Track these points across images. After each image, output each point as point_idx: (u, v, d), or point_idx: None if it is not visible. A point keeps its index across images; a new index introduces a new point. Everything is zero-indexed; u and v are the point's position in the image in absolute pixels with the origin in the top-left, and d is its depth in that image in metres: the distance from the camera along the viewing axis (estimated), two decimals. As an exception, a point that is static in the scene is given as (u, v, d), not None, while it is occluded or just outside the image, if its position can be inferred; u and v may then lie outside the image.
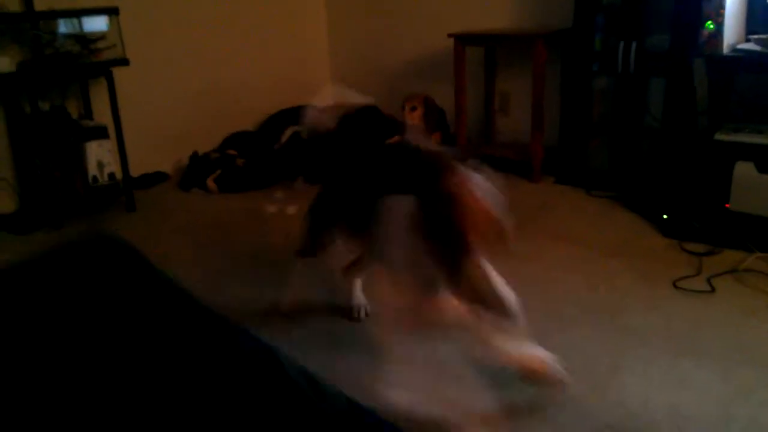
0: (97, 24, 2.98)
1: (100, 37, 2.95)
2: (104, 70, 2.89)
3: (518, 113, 3.55)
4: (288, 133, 3.61)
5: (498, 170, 3.05)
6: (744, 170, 2.23)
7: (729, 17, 2.30)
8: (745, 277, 2.05)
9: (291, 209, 2.95)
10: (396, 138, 3.53)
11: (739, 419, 1.39)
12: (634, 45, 2.76)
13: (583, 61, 2.94)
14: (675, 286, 2.01)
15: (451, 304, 1.30)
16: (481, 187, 1.23)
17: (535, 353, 1.43)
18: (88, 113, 3.14)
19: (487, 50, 3.53)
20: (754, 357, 1.63)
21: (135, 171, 3.22)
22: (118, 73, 2.93)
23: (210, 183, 3.32)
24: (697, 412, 1.43)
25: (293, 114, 3.80)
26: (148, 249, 2.60)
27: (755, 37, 2.30)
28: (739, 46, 2.35)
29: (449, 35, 3.28)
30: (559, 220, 2.66)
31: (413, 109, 3.43)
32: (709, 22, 2.30)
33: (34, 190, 2.89)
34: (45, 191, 2.84)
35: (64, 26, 2.92)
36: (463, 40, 3.28)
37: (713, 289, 1.97)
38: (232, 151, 3.50)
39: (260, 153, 3.51)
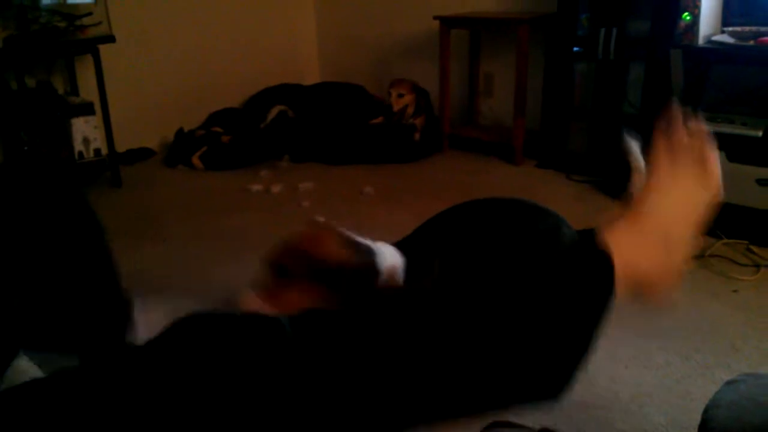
0: (83, 1, 2.97)
1: (87, 13, 2.95)
2: (91, 47, 2.89)
3: (501, 96, 3.61)
4: (274, 111, 3.64)
5: (480, 153, 3.15)
6: (715, 158, 2.32)
7: (705, 9, 2.36)
8: (711, 262, 2.15)
9: (276, 188, 3.00)
10: (380, 119, 3.58)
11: (698, 396, 1.49)
12: (615, 31, 2.82)
13: (566, 45, 3.00)
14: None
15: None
16: None
17: None
18: (74, 89, 3.15)
19: (472, 33, 3.57)
20: (715, 338, 1.73)
21: (121, 147, 3.24)
22: (104, 49, 2.93)
23: (195, 160, 3.35)
24: (658, 389, 1.53)
25: (279, 92, 3.83)
26: (133, 224, 2.65)
27: (730, 29, 2.37)
28: (715, 38, 2.42)
29: (435, 17, 3.32)
30: (538, 203, 2.74)
31: (400, 96, 3.48)
32: (687, 13, 2.37)
33: (20, 164, 2.91)
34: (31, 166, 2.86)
35: (50, 2, 2.91)
36: (448, 22, 3.32)
37: (680, 273, 2.07)
38: (217, 129, 3.52)
39: (246, 131, 3.54)
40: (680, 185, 0.84)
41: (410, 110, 3.49)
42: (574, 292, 0.74)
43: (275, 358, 0.67)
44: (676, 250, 0.81)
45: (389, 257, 1.11)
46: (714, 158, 0.87)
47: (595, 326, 0.77)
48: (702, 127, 0.86)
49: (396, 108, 3.47)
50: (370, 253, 1.08)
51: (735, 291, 1.96)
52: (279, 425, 0.64)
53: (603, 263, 0.75)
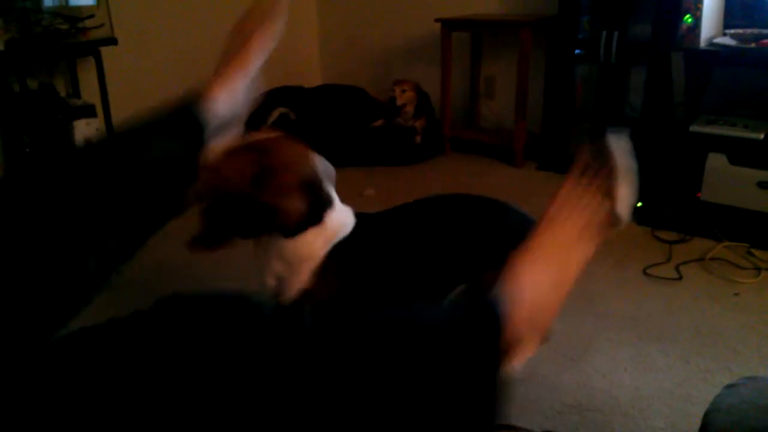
0: (85, 3, 2.98)
1: (89, 15, 2.95)
2: (92, 49, 2.90)
3: (503, 98, 3.61)
4: (275, 113, 3.64)
5: (481, 155, 3.15)
6: (716, 161, 2.32)
7: (707, 12, 2.36)
8: (711, 265, 2.15)
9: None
10: (381, 121, 3.58)
11: (698, 399, 1.48)
12: (616, 34, 2.82)
13: (567, 48, 3.00)
14: (645, 273, 2.10)
15: None
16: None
17: None
18: (75, 92, 3.15)
19: (473, 35, 3.57)
20: (715, 342, 1.72)
21: (122, 149, 3.24)
22: (106, 51, 2.94)
23: (197, 162, 3.35)
24: (658, 392, 1.52)
25: (281, 94, 3.83)
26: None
27: (731, 31, 2.37)
28: (716, 40, 2.42)
29: (436, 20, 3.32)
30: (539, 205, 2.72)
31: (404, 91, 3.48)
32: (688, 15, 2.37)
33: (21, 167, 2.91)
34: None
35: (52, 4, 2.92)
36: (449, 25, 3.32)
37: (681, 277, 2.07)
38: (219, 131, 3.52)
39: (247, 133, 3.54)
40: (573, 228, 0.89)
41: (410, 109, 3.48)
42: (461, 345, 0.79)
43: (250, 342, 0.68)
44: (563, 287, 0.91)
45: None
46: (624, 189, 0.89)
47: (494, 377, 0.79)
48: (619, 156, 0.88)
49: (400, 101, 3.46)
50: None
51: (736, 294, 1.96)
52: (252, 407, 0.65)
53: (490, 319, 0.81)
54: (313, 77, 4.32)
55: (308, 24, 4.35)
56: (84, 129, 2.97)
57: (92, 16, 2.97)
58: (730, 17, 2.54)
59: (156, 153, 1.02)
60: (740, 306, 1.89)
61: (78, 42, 2.92)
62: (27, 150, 2.85)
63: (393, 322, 0.76)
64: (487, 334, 0.80)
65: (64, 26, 2.92)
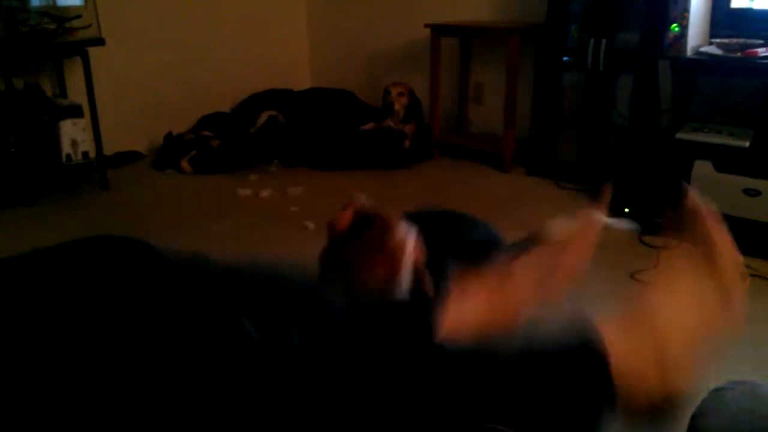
0: (73, 3, 2.96)
1: (76, 15, 2.93)
2: (80, 49, 2.88)
3: (492, 104, 3.62)
4: (264, 116, 3.63)
5: (470, 160, 3.17)
6: (702, 168, 2.34)
7: (693, 21, 2.39)
8: (698, 270, 2.16)
9: (265, 192, 2.99)
10: (371, 124, 3.58)
11: (684, 404, 1.49)
12: (603, 42, 2.85)
13: (555, 55, 3.02)
14: (633, 278, 2.12)
15: None
16: None
17: None
18: (62, 91, 3.13)
19: (462, 41, 3.59)
20: (701, 346, 1.73)
21: (109, 150, 3.22)
22: (93, 51, 2.92)
23: (184, 164, 3.34)
24: (646, 396, 1.53)
25: (270, 97, 3.83)
26: (121, 227, 2.63)
27: (717, 41, 2.40)
28: (702, 49, 2.45)
29: (426, 25, 3.33)
30: (527, 211, 2.76)
31: (401, 94, 3.49)
32: (675, 24, 2.39)
33: (7, 167, 2.88)
34: (18, 169, 2.84)
35: (39, 4, 2.90)
36: (439, 30, 3.33)
37: (668, 282, 2.08)
38: (207, 132, 3.51)
39: (235, 135, 3.53)
40: (691, 284, 0.67)
41: (402, 111, 3.49)
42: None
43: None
44: (674, 374, 0.65)
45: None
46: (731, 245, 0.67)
47: None
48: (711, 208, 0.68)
49: (398, 106, 3.47)
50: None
51: (722, 300, 1.97)
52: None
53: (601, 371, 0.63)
54: (302, 80, 4.32)
55: (298, 27, 4.35)
56: (70, 129, 2.94)
57: (80, 16, 2.95)
58: (716, 27, 2.57)
59: None
60: (726, 311, 1.91)
61: (65, 42, 2.90)
62: (12, 150, 2.81)
63: (384, 346, 0.70)
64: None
65: (52, 26, 2.90)
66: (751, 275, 2.12)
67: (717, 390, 1.15)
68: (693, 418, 1.09)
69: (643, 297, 0.69)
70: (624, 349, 0.63)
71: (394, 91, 3.49)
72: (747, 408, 1.08)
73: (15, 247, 2.20)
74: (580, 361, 0.63)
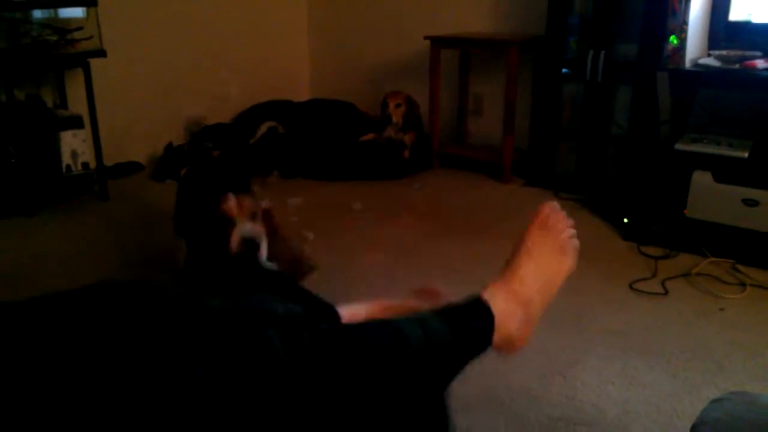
0: (74, 15, 2.98)
1: (78, 27, 2.95)
2: (81, 61, 2.89)
3: (491, 115, 3.64)
4: (264, 127, 3.64)
5: (469, 171, 3.17)
6: (701, 179, 2.34)
7: (692, 33, 2.40)
8: (697, 280, 2.16)
9: (264, 203, 2.99)
10: (370, 135, 3.59)
11: (684, 414, 1.49)
12: (602, 54, 2.86)
13: (554, 67, 3.04)
14: (631, 288, 2.11)
15: None
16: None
17: None
18: (63, 103, 3.14)
19: (462, 53, 3.61)
20: (702, 356, 1.73)
21: (109, 161, 3.23)
22: (94, 63, 2.93)
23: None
24: (645, 407, 1.52)
25: (270, 108, 3.84)
26: (120, 238, 2.64)
27: (716, 53, 2.41)
28: (701, 61, 2.46)
29: (425, 38, 3.35)
30: (527, 221, 2.75)
31: (398, 105, 3.50)
32: (673, 36, 2.40)
33: (7, 177, 2.89)
34: (18, 179, 2.84)
35: (41, 16, 2.92)
36: (438, 42, 3.35)
37: (666, 292, 2.08)
38: (207, 143, 3.52)
39: (235, 146, 3.54)
40: (548, 259, 1.08)
41: (400, 121, 3.50)
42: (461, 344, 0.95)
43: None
44: (534, 314, 1.04)
45: None
46: (574, 244, 1.12)
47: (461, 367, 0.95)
48: (568, 220, 1.15)
49: (395, 118, 3.48)
50: None
51: (722, 309, 1.97)
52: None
53: (484, 310, 0.98)
54: (302, 92, 4.34)
55: (298, 39, 4.37)
56: (71, 140, 2.95)
57: (81, 28, 2.97)
58: (714, 39, 2.58)
59: None
60: (726, 321, 1.91)
61: (67, 53, 2.92)
62: (13, 160, 2.82)
63: (391, 337, 0.86)
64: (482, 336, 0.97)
65: (53, 38, 2.92)
66: (751, 285, 2.12)
67: (716, 401, 1.15)
68: (693, 428, 1.09)
69: (516, 267, 1.06)
70: (503, 298, 1.00)
71: (391, 104, 3.50)
72: (746, 418, 1.08)
73: (15, 257, 2.22)
74: (469, 312, 0.96)
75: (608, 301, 2.04)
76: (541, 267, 1.08)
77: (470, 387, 1.58)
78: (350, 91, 4.13)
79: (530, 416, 1.49)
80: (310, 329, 0.78)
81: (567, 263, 1.12)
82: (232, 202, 1.56)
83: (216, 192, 2.01)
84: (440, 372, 0.90)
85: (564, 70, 3.04)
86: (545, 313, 1.09)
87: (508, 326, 0.99)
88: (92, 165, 3.04)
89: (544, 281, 1.07)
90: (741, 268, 2.22)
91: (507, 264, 1.08)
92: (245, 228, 1.51)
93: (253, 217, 1.55)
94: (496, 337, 0.97)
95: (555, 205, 1.17)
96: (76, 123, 2.97)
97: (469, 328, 0.94)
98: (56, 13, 2.98)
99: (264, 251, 1.54)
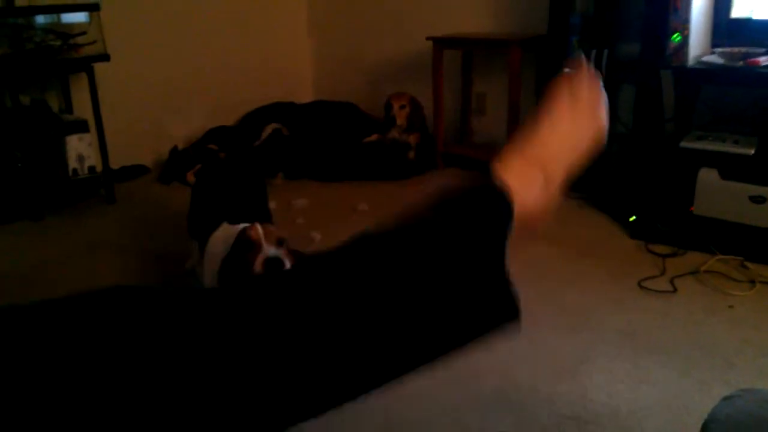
0: (78, 20, 2.99)
1: (81, 32, 2.96)
2: (85, 65, 2.90)
3: (494, 115, 3.64)
4: (269, 129, 3.65)
5: (473, 170, 3.11)
6: (708, 176, 2.34)
7: (695, 30, 2.40)
8: (705, 277, 2.16)
9: (270, 205, 2.99)
10: (374, 136, 3.60)
11: (695, 411, 1.49)
12: (605, 53, 2.86)
13: (557, 66, 3.03)
14: (640, 286, 2.12)
15: None
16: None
17: None
18: (68, 107, 3.15)
19: (464, 53, 3.61)
20: (712, 354, 1.73)
21: (115, 164, 3.24)
22: (99, 67, 2.94)
23: (190, 177, 3.35)
24: (656, 404, 1.53)
25: (274, 110, 3.85)
26: (128, 241, 2.64)
27: (719, 50, 2.41)
28: (704, 59, 2.46)
29: (428, 38, 3.35)
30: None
31: (402, 107, 3.50)
32: (676, 34, 2.40)
33: (14, 182, 2.90)
34: (25, 183, 2.85)
35: (45, 21, 2.93)
36: (441, 43, 3.35)
37: (675, 290, 2.08)
38: (212, 146, 3.53)
39: (240, 148, 3.55)
40: (571, 123, 0.87)
41: (404, 123, 3.51)
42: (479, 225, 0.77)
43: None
44: (553, 186, 0.86)
45: None
46: (605, 106, 0.90)
47: (501, 248, 0.78)
48: (598, 78, 0.89)
49: (400, 121, 3.49)
50: None
51: (731, 307, 1.97)
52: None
53: (503, 201, 0.80)
54: (305, 93, 4.35)
55: (301, 41, 4.38)
56: (76, 144, 2.96)
57: (85, 32, 2.98)
58: (717, 36, 2.58)
59: None
60: (735, 318, 1.91)
61: (71, 58, 2.93)
62: (19, 165, 2.83)
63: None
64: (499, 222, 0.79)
65: (57, 42, 2.93)
66: (760, 282, 2.12)
67: (727, 398, 1.15)
68: (704, 425, 1.09)
69: (536, 134, 0.85)
70: (520, 181, 0.81)
71: (395, 105, 3.50)
72: (757, 415, 1.08)
73: (22, 261, 2.24)
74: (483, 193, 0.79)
75: (617, 300, 2.04)
76: (565, 134, 0.88)
77: (480, 386, 1.59)
78: (353, 92, 4.14)
79: (541, 415, 1.49)
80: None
81: (598, 123, 0.90)
82: (259, 230, 1.61)
83: (235, 193, 2.03)
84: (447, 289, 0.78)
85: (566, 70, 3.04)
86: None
87: (525, 200, 0.82)
88: (98, 168, 3.05)
89: (569, 146, 0.88)
90: (749, 265, 2.22)
91: (523, 130, 0.88)
92: (270, 250, 1.56)
93: (278, 244, 1.59)
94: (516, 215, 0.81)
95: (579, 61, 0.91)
96: (81, 127, 2.98)
97: (484, 225, 0.78)
98: (59, 19, 2.99)
99: None
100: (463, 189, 0.79)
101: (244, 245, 1.59)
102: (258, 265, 1.54)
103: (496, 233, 0.77)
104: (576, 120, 0.88)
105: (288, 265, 1.57)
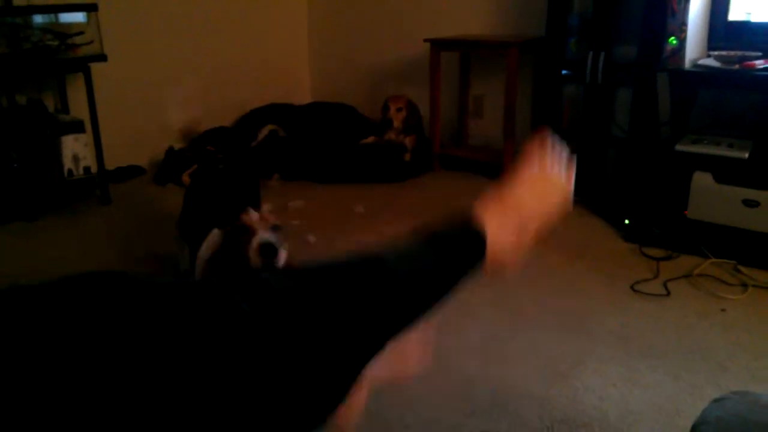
0: (75, 20, 2.99)
1: (79, 32, 2.96)
2: (82, 65, 2.90)
3: (491, 117, 3.64)
4: (265, 130, 3.65)
5: (470, 172, 3.14)
6: (702, 180, 2.34)
7: (691, 34, 2.40)
8: (699, 281, 2.16)
9: (266, 206, 2.99)
10: (371, 138, 3.60)
11: (687, 415, 1.48)
12: (602, 56, 2.86)
13: (554, 69, 3.04)
14: (633, 289, 2.11)
15: None
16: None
17: None
18: (64, 107, 3.15)
19: (462, 56, 3.61)
20: (703, 357, 1.73)
21: (110, 165, 3.23)
22: (95, 67, 2.94)
23: (185, 178, 3.35)
24: (648, 408, 1.52)
25: (271, 112, 3.85)
26: (122, 242, 2.64)
27: (715, 53, 2.41)
28: (701, 62, 2.46)
29: (425, 40, 3.36)
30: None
31: (399, 110, 3.51)
32: (673, 37, 2.41)
33: (9, 182, 2.89)
34: (20, 184, 2.85)
35: (42, 21, 2.92)
36: (438, 45, 3.35)
37: (668, 293, 2.08)
38: (209, 147, 3.52)
39: (237, 149, 3.54)
40: (542, 187, 1.03)
41: (400, 125, 3.51)
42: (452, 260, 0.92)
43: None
44: (525, 237, 1.00)
45: None
46: (571, 175, 1.07)
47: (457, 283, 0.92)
48: (565, 150, 1.08)
49: (396, 123, 3.49)
50: None
51: (723, 310, 1.97)
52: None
53: (478, 237, 0.94)
54: (302, 95, 4.35)
55: (298, 42, 4.38)
56: (72, 144, 2.96)
57: (82, 32, 2.98)
58: (713, 39, 2.58)
59: None
60: (728, 322, 1.91)
61: (68, 58, 2.93)
62: (15, 165, 2.83)
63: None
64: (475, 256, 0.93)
65: (54, 42, 2.92)
66: (752, 286, 2.12)
67: (717, 400, 1.15)
68: (694, 427, 1.09)
69: (512, 189, 1.00)
70: (497, 223, 0.95)
71: (392, 108, 3.51)
72: (747, 417, 1.08)
73: (17, 261, 2.23)
74: (462, 234, 0.93)
75: (610, 303, 2.04)
76: (537, 196, 1.02)
77: (473, 390, 1.59)
78: (350, 94, 4.14)
79: (533, 418, 1.49)
80: (272, 273, 0.75)
81: (562, 197, 1.06)
82: (253, 215, 1.59)
83: (228, 198, 2.03)
84: (426, 300, 0.87)
85: (564, 72, 3.04)
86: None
87: (500, 240, 0.95)
88: (94, 169, 3.04)
89: (537, 208, 1.01)
90: (742, 268, 2.22)
91: (501, 183, 1.02)
92: (265, 235, 1.54)
93: (273, 229, 1.57)
94: (488, 254, 0.95)
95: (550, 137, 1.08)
96: (77, 127, 2.98)
97: (461, 257, 0.92)
98: (57, 18, 2.99)
99: (283, 257, 1.55)
100: (448, 224, 0.93)
101: (239, 230, 1.57)
102: (253, 250, 1.52)
103: (468, 264, 0.91)
104: (544, 184, 1.04)
105: (282, 252, 1.56)
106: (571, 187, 1.06)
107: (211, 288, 0.75)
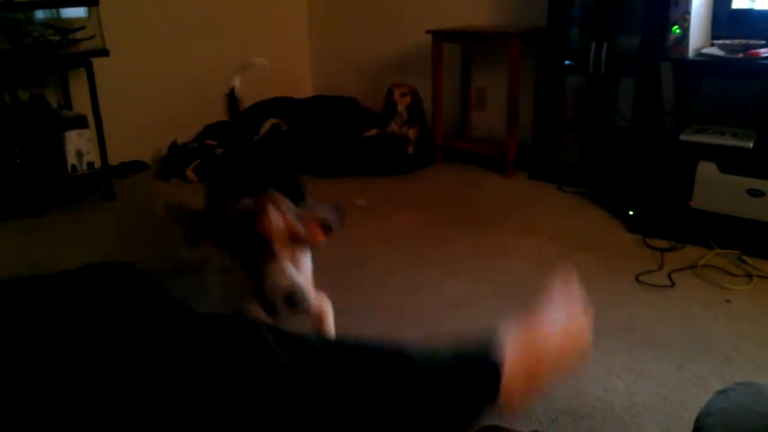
0: (76, 15, 2.98)
1: (80, 27, 2.96)
2: (84, 60, 2.90)
3: (494, 109, 3.63)
4: (267, 124, 3.65)
5: (473, 165, 3.10)
6: (706, 170, 2.33)
7: (694, 22, 2.39)
8: (703, 272, 2.16)
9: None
10: (373, 131, 3.59)
11: (691, 406, 1.48)
12: (605, 45, 2.85)
13: (557, 60, 3.03)
14: (637, 280, 2.11)
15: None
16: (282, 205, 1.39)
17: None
18: (67, 103, 3.15)
19: (464, 47, 3.60)
20: (708, 348, 1.73)
21: (114, 160, 3.24)
22: (97, 62, 2.94)
23: (189, 173, 3.35)
24: (652, 399, 1.52)
25: (273, 105, 3.84)
26: (127, 238, 2.65)
27: (719, 42, 2.39)
28: (704, 51, 2.44)
29: (427, 32, 3.34)
30: (531, 214, 2.75)
31: (403, 95, 3.50)
32: (676, 26, 2.39)
33: (12, 178, 2.90)
34: (24, 180, 2.85)
35: (43, 16, 2.92)
36: (440, 36, 3.34)
37: (673, 284, 2.08)
38: (211, 141, 3.52)
39: (239, 144, 3.54)
40: (565, 335, 1.10)
41: (405, 113, 3.50)
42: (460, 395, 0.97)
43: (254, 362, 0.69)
44: (539, 382, 1.04)
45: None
46: (589, 321, 1.15)
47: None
48: (583, 293, 1.16)
49: (401, 107, 3.48)
50: None
51: (728, 301, 1.97)
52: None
53: (493, 375, 0.98)
54: (304, 88, 4.34)
55: (299, 36, 4.37)
56: (75, 140, 2.96)
57: (83, 27, 2.98)
58: (717, 28, 2.56)
59: None
60: (732, 312, 1.90)
61: (69, 53, 2.92)
62: (18, 161, 2.83)
63: (402, 362, 0.92)
64: (487, 390, 0.97)
65: (56, 38, 2.92)
66: (757, 276, 2.11)
67: (722, 391, 1.15)
68: (698, 418, 1.09)
69: (536, 330, 1.06)
70: (517, 360, 0.99)
71: (396, 92, 3.50)
72: (752, 408, 1.08)
73: (21, 257, 2.23)
74: (475, 367, 0.98)
75: (614, 294, 2.04)
76: (559, 335, 1.09)
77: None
78: (352, 87, 4.13)
79: (537, 409, 1.49)
80: (320, 341, 0.81)
81: (581, 341, 1.14)
82: (272, 217, 1.31)
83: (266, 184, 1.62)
84: (445, 412, 0.93)
85: (566, 62, 3.03)
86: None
87: (515, 373, 0.99)
88: (97, 164, 3.04)
89: (557, 348, 1.08)
90: (747, 259, 2.21)
91: (532, 313, 1.10)
92: (287, 280, 1.28)
93: (294, 240, 1.33)
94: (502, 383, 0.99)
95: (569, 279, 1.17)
96: (80, 123, 2.98)
97: (477, 368, 0.97)
98: (58, 13, 2.98)
99: (312, 306, 1.37)
100: (473, 351, 0.98)
101: (253, 239, 1.34)
102: (274, 293, 1.28)
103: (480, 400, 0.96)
104: (567, 332, 1.09)
105: (309, 298, 1.36)
106: (590, 336, 1.12)
107: (252, 334, 0.78)
